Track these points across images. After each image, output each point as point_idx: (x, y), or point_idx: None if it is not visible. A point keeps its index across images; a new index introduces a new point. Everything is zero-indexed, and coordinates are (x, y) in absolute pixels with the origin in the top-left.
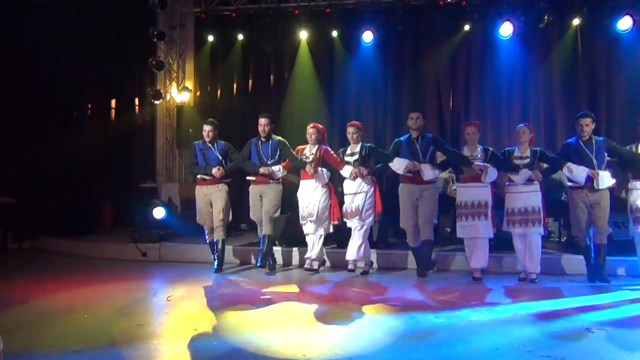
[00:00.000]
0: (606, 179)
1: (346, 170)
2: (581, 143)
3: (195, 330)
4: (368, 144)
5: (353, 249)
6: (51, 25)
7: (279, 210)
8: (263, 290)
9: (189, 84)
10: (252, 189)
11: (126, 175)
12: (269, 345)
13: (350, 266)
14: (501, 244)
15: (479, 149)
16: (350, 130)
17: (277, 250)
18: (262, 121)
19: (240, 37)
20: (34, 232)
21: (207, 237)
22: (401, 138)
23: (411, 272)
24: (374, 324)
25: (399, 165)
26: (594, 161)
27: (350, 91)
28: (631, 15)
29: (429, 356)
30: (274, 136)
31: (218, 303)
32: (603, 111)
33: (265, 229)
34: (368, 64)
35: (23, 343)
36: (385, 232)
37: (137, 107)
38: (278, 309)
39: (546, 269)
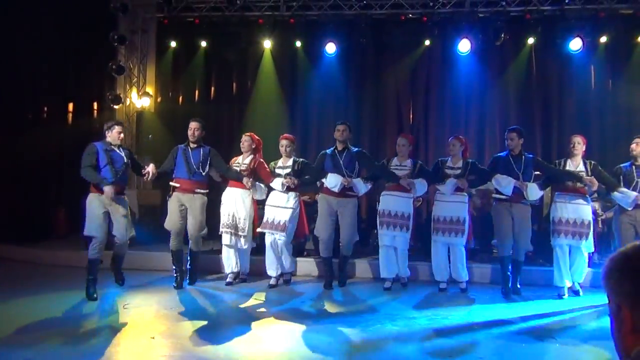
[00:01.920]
0: (534, 191)
1: (276, 182)
2: (511, 158)
3: (153, 338)
4: (300, 159)
5: (277, 263)
6: (5, 25)
7: (205, 227)
8: (220, 300)
9: (150, 89)
10: (175, 197)
11: (82, 181)
12: (226, 354)
13: (272, 281)
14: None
15: (408, 161)
16: (283, 142)
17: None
18: (192, 125)
19: (204, 44)
20: None
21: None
22: (327, 150)
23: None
24: (323, 332)
25: (334, 182)
26: (521, 177)
27: (312, 101)
28: (581, 37)
29: None
30: (204, 144)
31: (176, 311)
32: (555, 125)
33: (193, 247)
34: (330, 75)
35: None
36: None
37: (95, 112)
38: (234, 319)
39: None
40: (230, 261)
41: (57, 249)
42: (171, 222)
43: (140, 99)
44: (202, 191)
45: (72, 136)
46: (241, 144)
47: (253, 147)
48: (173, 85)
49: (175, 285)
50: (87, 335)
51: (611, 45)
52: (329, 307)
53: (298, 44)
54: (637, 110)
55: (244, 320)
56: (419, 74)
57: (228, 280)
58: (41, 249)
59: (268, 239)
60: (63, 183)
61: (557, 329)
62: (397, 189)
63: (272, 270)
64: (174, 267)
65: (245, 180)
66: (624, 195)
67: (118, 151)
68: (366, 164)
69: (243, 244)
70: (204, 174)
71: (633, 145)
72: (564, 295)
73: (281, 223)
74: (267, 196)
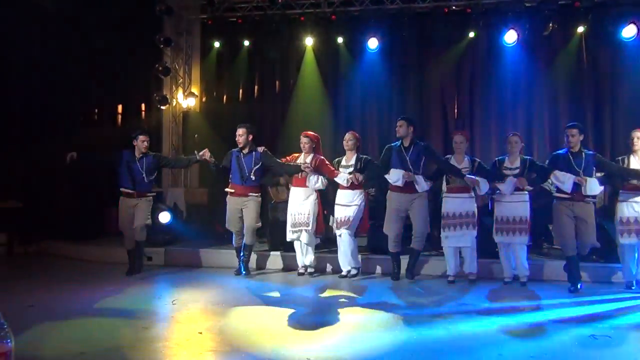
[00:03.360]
0: (594, 186)
1: (341, 177)
2: (570, 155)
3: (200, 333)
4: (364, 156)
5: (345, 258)
6: (58, 30)
7: (260, 222)
8: (267, 295)
9: (195, 89)
10: (231, 201)
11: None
12: (274, 349)
13: (344, 273)
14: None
15: (465, 159)
16: (347, 137)
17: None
18: (238, 131)
19: (247, 43)
20: (40, 236)
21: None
22: (393, 144)
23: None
24: (375, 329)
25: (395, 177)
26: (582, 174)
27: (355, 97)
28: (635, 24)
29: None
30: (256, 147)
31: (223, 307)
32: (607, 118)
33: (248, 240)
34: (373, 71)
35: (29, 346)
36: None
37: (143, 113)
38: (281, 314)
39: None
40: (299, 255)
41: (109, 247)
42: (231, 224)
43: (186, 99)
44: (255, 194)
45: (122, 137)
46: (302, 145)
47: (313, 146)
48: (217, 84)
49: (236, 272)
50: (135, 331)
51: None
52: (390, 303)
53: (340, 40)
54: None
55: (291, 316)
56: (463, 68)
57: (300, 271)
58: (95, 246)
59: (339, 237)
60: (114, 182)
61: (628, 325)
62: (458, 191)
63: (344, 266)
64: (238, 260)
65: (303, 166)
66: None
67: (138, 163)
68: (433, 158)
69: (306, 238)
70: (254, 179)
71: None
72: (633, 286)
73: (345, 219)
74: (325, 188)
